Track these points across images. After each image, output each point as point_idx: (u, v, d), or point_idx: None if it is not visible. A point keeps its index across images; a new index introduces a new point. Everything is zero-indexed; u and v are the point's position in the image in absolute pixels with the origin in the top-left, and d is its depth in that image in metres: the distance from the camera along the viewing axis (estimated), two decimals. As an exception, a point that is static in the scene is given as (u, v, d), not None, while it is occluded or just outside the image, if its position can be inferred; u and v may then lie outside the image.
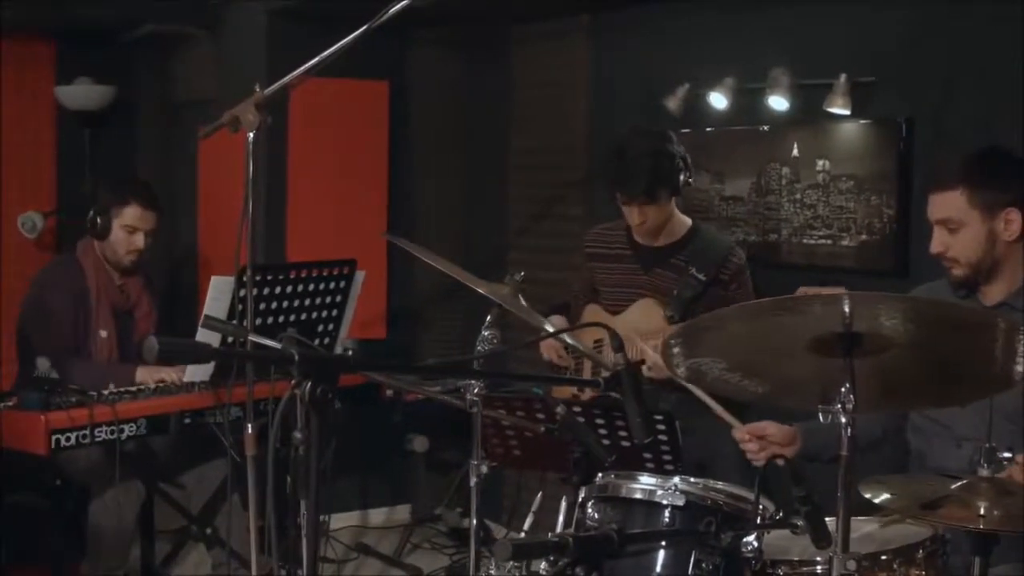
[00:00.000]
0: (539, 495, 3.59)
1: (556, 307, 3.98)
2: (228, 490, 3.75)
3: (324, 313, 4.01)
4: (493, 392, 2.92)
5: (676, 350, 2.27)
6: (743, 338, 2.20)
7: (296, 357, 1.83)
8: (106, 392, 3.72)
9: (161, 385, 3.90)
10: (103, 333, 4.20)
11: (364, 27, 2.84)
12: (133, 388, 3.84)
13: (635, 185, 3.55)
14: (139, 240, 4.22)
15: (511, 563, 2.53)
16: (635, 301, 3.69)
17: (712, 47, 4.29)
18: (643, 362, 3.41)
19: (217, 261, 5.29)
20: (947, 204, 2.80)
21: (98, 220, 4.20)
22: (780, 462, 2.38)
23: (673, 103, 4.24)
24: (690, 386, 2.81)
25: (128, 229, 4.21)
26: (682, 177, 3.62)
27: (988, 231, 2.77)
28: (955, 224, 2.79)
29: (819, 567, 2.33)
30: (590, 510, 2.47)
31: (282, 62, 3.24)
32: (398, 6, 2.76)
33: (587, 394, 3.45)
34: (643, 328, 3.54)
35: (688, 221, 3.75)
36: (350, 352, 4.05)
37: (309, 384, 1.83)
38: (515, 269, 3.00)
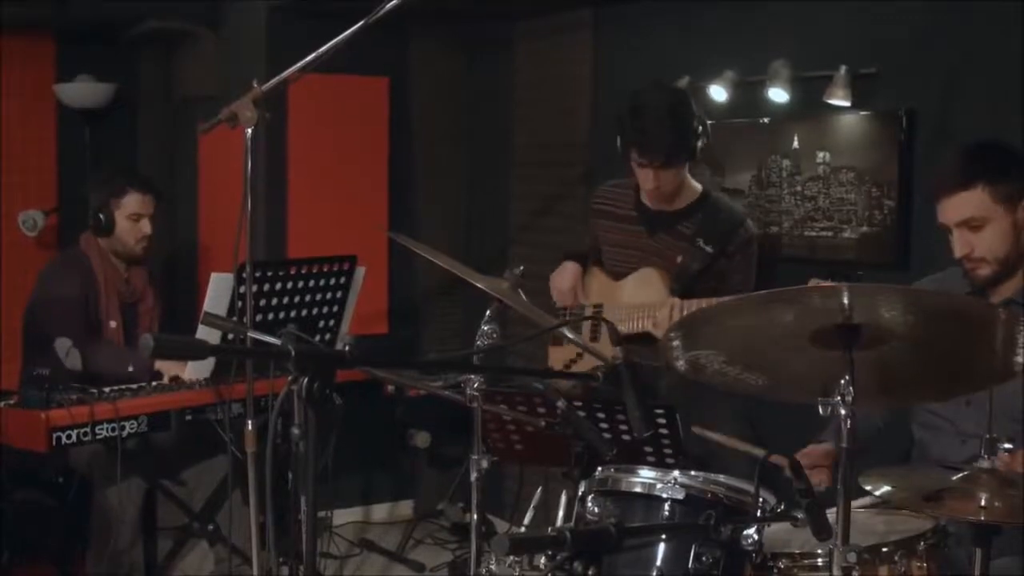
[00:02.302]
0: (539, 489, 3.57)
1: (573, 254, 3.86)
2: (229, 487, 3.76)
3: (325, 309, 4.01)
4: (494, 387, 2.91)
5: (676, 343, 2.27)
6: (742, 331, 2.19)
7: (292, 353, 1.83)
8: (107, 389, 3.73)
9: (163, 384, 3.91)
10: (112, 324, 4.23)
11: (360, 23, 2.83)
12: (135, 386, 3.84)
13: (655, 149, 3.40)
14: (145, 226, 4.25)
15: (511, 558, 2.52)
16: (636, 265, 3.62)
17: (712, 40, 4.28)
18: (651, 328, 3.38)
19: (218, 257, 5.29)
20: (968, 203, 2.74)
21: (100, 216, 4.20)
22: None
23: (674, 96, 4.24)
24: (708, 434, 2.78)
25: (133, 218, 4.23)
26: (700, 143, 3.48)
27: (1012, 223, 2.74)
28: (979, 222, 2.73)
29: (820, 560, 2.32)
30: (590, 504, 2.46)
31: (284, 58, 3.23)
32: (393, 2, 2.75)
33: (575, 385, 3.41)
34: (642, 299, 3.51)
35: (698, 187, 3.64)
36: (347, 348, 4.04)
37: (306, 380, 1.83)
38: (515, 265, 2.98)
